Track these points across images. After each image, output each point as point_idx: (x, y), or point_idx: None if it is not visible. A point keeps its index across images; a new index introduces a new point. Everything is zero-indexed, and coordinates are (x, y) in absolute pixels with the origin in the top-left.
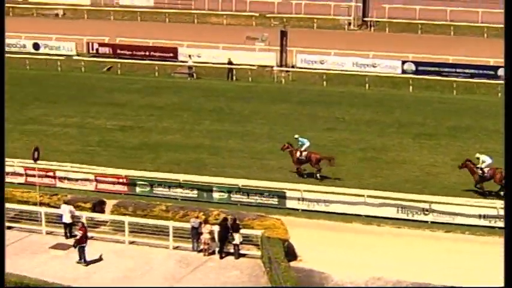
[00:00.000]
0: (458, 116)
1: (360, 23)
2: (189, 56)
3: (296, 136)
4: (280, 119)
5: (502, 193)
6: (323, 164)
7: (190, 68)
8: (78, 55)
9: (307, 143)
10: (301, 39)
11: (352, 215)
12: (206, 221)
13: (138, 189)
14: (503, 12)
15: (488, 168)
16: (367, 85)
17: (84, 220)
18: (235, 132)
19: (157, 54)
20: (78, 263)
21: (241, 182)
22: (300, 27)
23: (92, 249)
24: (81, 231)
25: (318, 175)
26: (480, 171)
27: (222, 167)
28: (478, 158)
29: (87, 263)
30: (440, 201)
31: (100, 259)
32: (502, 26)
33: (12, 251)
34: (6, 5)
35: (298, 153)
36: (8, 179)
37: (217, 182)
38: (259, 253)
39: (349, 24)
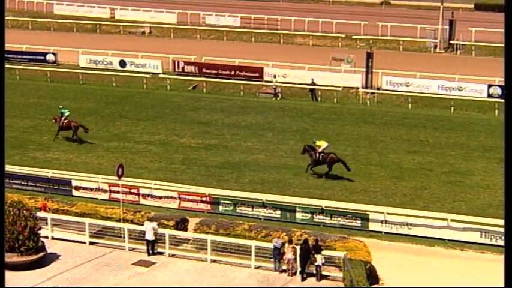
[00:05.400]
0: None
1: (446, 45)
2: (274, 76)
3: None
4: (364, 141)
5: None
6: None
7: (274, 88)
8: (164, 73)
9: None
10: (386, 61)
11: (435, 238)
12: (290, 241)
13: (221, 208)
14: (504, 25)
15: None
16: (452, 108)
17: None
18: None
19: (242, 73)
20: None
21: (324, 203)
22: (386, 49)
23: (168, 269)
24: None
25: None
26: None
27: (305, 188)
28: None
29: None
30: None
31: None
32: None
33: (95, 267)
34: (94, 22)
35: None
36: (91, 195)
37: (301, 202)
38: (341, 275)
39: (435, 47)
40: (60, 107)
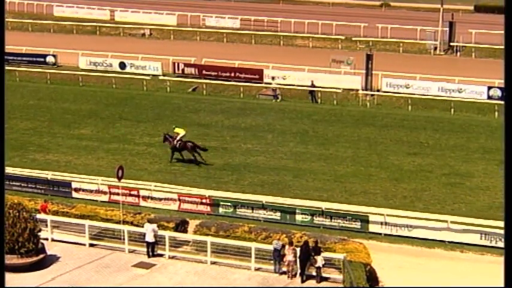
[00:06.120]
0: None
1: (446, 47)
2: (272, 77)
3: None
4: (364, 143)
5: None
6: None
7: (274, 90)
8: (164, 75)
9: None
10: (386, 63)
11: (434, 240)
12: (291, 243)
13: (221, 210)
14: (504, 27)
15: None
16: (452, 110)
17: None
18: (319, 154)
19: (242, 75)
20: None
21: (324, 205)
22: (385, 51)
23: (168, 271)
24: None
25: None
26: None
27: (305, 190)
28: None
29: None
30: None
31: None
32: None
33: (95, 269)
34: (94, 23)
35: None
36: (92, 196)
37: (301, 204)
38: (340, 277)
39: (435, 48)
40: None
